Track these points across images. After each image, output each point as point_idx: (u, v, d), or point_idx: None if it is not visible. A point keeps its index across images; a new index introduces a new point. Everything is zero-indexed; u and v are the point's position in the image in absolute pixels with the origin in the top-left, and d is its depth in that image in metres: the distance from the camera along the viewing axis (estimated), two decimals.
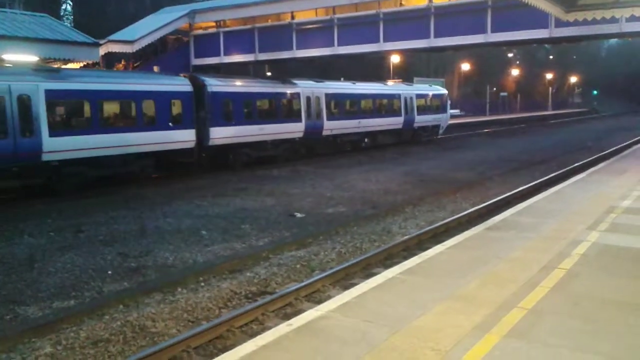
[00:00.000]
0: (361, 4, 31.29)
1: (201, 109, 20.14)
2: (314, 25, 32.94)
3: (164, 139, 18.57)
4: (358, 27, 31.17)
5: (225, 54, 36.14)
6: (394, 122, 30.87)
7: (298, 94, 24.50)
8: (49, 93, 15.47)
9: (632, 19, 17.07)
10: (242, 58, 35.71)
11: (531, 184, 16.81)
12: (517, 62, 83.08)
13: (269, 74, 39.62)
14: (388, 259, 9.52)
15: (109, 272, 9.15)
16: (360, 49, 31.48)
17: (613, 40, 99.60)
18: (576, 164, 21.18)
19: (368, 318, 5.39)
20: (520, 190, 15.60)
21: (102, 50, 31.47)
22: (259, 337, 5.13)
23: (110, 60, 34.25)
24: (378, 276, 6.86)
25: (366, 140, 29.38)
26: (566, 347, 4.70)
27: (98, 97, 16.95)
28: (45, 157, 15.33)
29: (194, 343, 6.26)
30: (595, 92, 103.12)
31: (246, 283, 8.51)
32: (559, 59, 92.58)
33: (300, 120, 24.29)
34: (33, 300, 7.92)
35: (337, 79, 31.23)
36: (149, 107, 18.44)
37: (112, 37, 34.29)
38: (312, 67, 42.79)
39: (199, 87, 20.19)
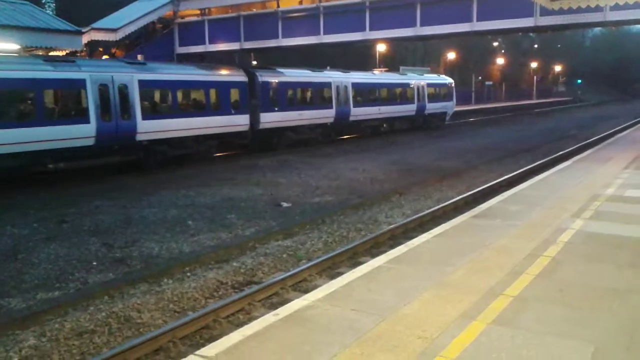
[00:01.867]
0: None
1: (253, 97, 22.78)
2: (300, 14, 32.70)
3: (226, 122, 21.34)
4: (344, 15, 30.98)
5: (210, 43, 35.78)
6: (408, 109, 33.31)
7: (330, 84, 27.24)
8: (141, 83, 18.15)
9: (616, 7, 17.16)
10: (227, 47, 35.39)
11: (517, 172, 16.92)
12: (502, 51, 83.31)
13: (254, 62, 39.35)
14: (375, 247, 9.54)
15: (94, 263, 9.07)
16: (346, 37, 31.31)
17: (597, 29, 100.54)
18: (561, 152, 21.35)
19: (355, 307, 5.38)
20: (506, 179, 15.71)
21: (85, 39, 31.00)
22: (245, 326, 5.11)
23: (93, 48, 33.82)
24: (365, 265, 6.85)
25: (384, 125, 31.85)
26: (551, 334, 4.73)
27: (177, 86, 19.82)
28: (139, 138, 18.08)
29: (180, 333, 6.24)
30: (579, 81, 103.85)
31: (233, 273, 8.48)
32: (543, 48, 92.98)
33: (331, 107, 27.07)
34: (16, 291, 7.83)
35: (323, 67, 31.16)
36: (215, 95, 21.19)
37: (95, 25, 33.77)
38: (298, 55, 42.53)
39: (251, 77, 22.96)
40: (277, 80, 24.52)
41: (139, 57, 28.89)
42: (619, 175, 13.08)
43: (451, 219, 9.43)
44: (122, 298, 7.53)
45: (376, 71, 34.74)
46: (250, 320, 6.18)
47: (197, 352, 4.55)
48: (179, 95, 19.90)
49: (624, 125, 35.34)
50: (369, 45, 40.59)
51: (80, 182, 16.16)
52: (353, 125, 29.14)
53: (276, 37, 33.08)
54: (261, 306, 7.16)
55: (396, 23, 29.67)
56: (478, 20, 27.57)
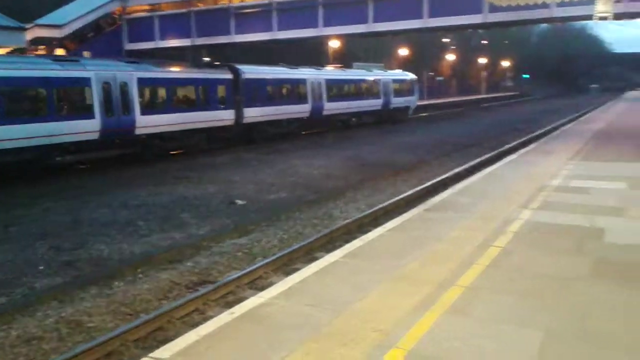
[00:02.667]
0: None
1: (237, 93, 24.13)
2: (253, 10, 32.47)
3: (214, 117, 22.82)
4: (297, 12, 30.95)
5: (160, 39, 35.13)
6: (375, 103, 35.42)
7: (305, 80, 28.92)
8: (140, 80, 19.58)
9: (562, 4, 17.76)
10: (178, 43, 34.81)
11: (467, 165, 17.29)
12: (453, 47, 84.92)
13: (206, 59, 38.82)
14: (330, 243, 9.56)
15: (41, 267, 8.77)
16: (299, 33, 31.31)
17: (544, 26, 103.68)
18: (509, 146, 21.94)
19: (311, 302, 5.38)
20: (456, 172, 16.03)
21: (29, 35, 29.95)
22: (200, 326, 5.04)
23: (38, 45, 32.63)
24: (320, 260, 6.87)
25: (354, 119, 33.73)
26: (503, 322, 4.86)
27: (171, 84, 21.37)
28: (138, 132, 19.46)
29: (132, 336, 6.10)
30: (525, 76, 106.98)
31: (187, 273, 8.34)
32: (492, 44, 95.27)
33: (307, 102, 28.75)
34: None
35: (277, 64, 31.08)
36: (204, 91, 22.67)
37: (40, 21, 32.65)
38: (251, 52, 42.19)
39: (235, 74, 24.32)
40: (258, 77, 25.89)
41: (86, 54, 28.03)
42: (564, 167, 13.54)
43: (404, 212, 9.54)
44: (72, 302, 7.30)
45: (329, 67, 34.94)
46: (205, 320, 6.08)
47: (151, 355, 4.47)
48: (173, 92, 21.39)
49: (568, 118, 36.61)
50: (322, 41, 40.69)
51: (30, 183, 15.61)
52: (326, 119, 30.72)
53: (228, 33, 32.78)
54: (216, 305, 7.07)
55: (349, 19, 29.87)
56: (429, 17, 28.06)
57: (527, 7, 17.44)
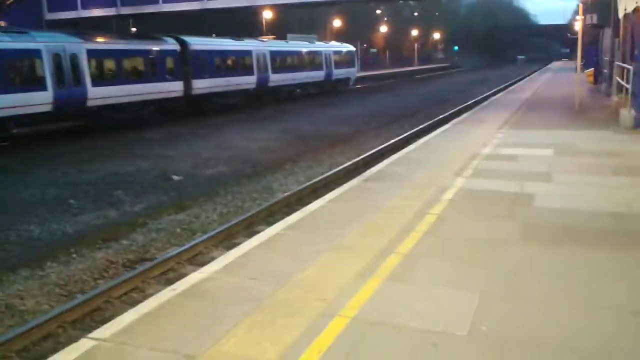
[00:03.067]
0: None
1: (185, 65, 24.34)
2: None
3: (163, 89, 23.12)
4: None
5: (82, 8, 33.43)
6: (318, 75, 36.64)
7: (251, 52, 29.36)
8: (89, 52, 19.86)
9: None
10: (102, 12, 33.25)
11: (402, 136, 17.61)
12: (385, 19, 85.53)
13: (133, 29, 37.31)
14: (270, 216, 9.55)
15: None
16: (231, 2, 30.61)
17: None
18: (441, 116, 22.47)
19: (253, 275, 5.37)
20: (392, 143, 16.30)
21: None
22: (140, 305, 4.92)
23: None
24: (261, 234, 6.85)
25: (298, 90, 34.80)
26: (440, 286, 5.02)
27: (120, 55, 21.36)
28: (89, 103, 19.76)
29: (69, 317, 5.91)
30: (455, 48, 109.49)
31: (123, 251, 8.13)
32: (423, 17, 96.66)
33: (253, 74, 29.30)
34: None
35: (209, 34, 30.31)
36: (153, 63, 22.84)
37: None
38: (180, 22, 40.87)
39: (183, 45, 24.58)
40: (205, 49, 26.12)
41: (1, 23, 26.30)
42: (494, 135, 14.02)
43: (343, 184, 9.64)
44: (2, 285, 6.97)
45: (265, 38, 34.55)
46: (145, 298, 5.96)
47: (90, 335, 4.33)
48: (122, 63, 21.52)
49: (497, 89, 37.84)
50: (255, 12, 39.94)
51: None
52: (272, 90, 31.37)
53: (156, 2, 31.59)
54: (156, 283, 6.94)
55: None
56: None
57: None
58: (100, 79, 20.33)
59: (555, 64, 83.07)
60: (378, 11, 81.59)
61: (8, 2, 33.01)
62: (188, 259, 7.66)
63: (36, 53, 17.92)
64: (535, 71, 63.70)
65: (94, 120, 20.28)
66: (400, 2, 68.25)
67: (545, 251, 5.83)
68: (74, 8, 33.48)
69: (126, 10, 32.74)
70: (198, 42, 25.93)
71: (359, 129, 20.51)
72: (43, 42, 18.25)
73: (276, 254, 5.96)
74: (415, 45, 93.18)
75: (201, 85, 25.24)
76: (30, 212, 10.19)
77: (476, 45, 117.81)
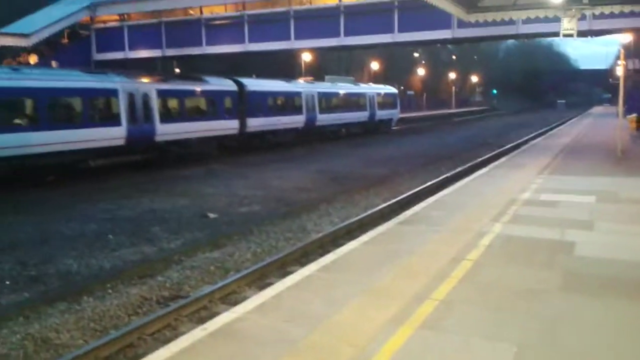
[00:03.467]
0: (271, 1, 31.25)
1: (241, 104, 25.78)
2: (224, 21, 32.48)
3: (222, 126, 24.58)
4: (269, 24, 31.08)
5: (130, 49, 34.81)
6: (363, 115, 37.83)
7: (300, 93, 30.69)
8: (159, 92, 21.26)
9: (528, 21, 18.22)
10: (148, 53, 34.56)
11: (439, 178, 17.46)
12: (423, 62, 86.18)
13: (177, 70, 38.57)
14: (304, 256, 9.52)
15: (7, 282, 8.50)
16: (271, 46, 31.44)
17: (510, 41, 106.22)
18: (479, 159, 22.26)
19: (285, 317, 5.33)
20: (429, 185, 16.17)
21: None
22: (172, 343, 4.94)
23: (2, 55, 31.99)
24: (294, 274, 6.82)
25: (343, 130, 35.98)
26: (476, 336, 4.88)
27: (185, 95, 22.89)
28: (157, 139, 21.13)
29: (102, 353, 5.95)
30: (494, 91, 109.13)
31: (157, 288, 8.19)
32: (461, 59, 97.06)
33: (302, 114, 30.56)
34: None
35: (249, 76, 31.08)
36: (214, 102, 24.30)
37: (5, 29, 32.04)
38: (223, 63, 42.06)
39: (240, 87, 26.04)
40: (260, 90, 27.70)
41: (54, 63, 27.55)
42: (534, 181, 13.78)
43: (378, 225, 9.57)
44: (39, 318, 7.09)
45: (300, 80, 35.23)
46: (177, 336, 5.97)
47: None
48: (187, 102, 23.02)
49: (537, 133, 37.38)
50: (294, 54, 40.87)
51: None
52: (319, 130, 32.62)
53: (200, 44, 32.70)
54: (188, 321, 6.95)
55: (321, 33, 30.13)
56: (399, 31, 28.49)
57: (494, 24, 17.82)
58: (167, 116, 21.71)
59: (597, 109, 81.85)
60: (416, 54, 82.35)
61: (64, 42, 34.66)
62: (221, 298, 7.66)
63: (113, 92, 19.48)
64: (576, 116, 62.80)
65: (161, 154, 21.67)
66: (438, 45, 68.82)
67: (586, 302, 5.63)
68: (122, 49, 34.89)
69: (171, 52, 33.96)
70: (253, 84, 27.53)
71: (395, 171, 20.46)
72: (120, 83, 19.79)
73: (309, 296, 5.92)
74: (453, 88, 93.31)
75: (255, 123, 26.75)
76: (70, 246, 10.41)
77: (515, 88, 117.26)
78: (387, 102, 41.91)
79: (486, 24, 17.17)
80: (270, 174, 19.50)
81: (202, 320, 6.55)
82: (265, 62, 46.93)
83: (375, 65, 65.54)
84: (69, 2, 36.48)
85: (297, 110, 30.26)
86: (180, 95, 22.72)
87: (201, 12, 32.78)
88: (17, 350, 6.22)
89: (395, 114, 43.79)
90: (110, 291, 8.06)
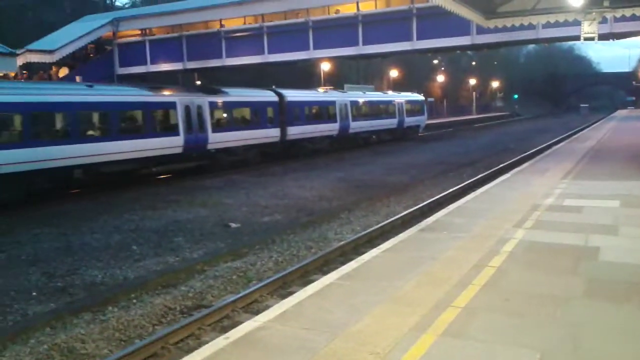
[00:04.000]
0: (290, 12, 31.47)
1: (281, 114, 27.19)
2: (244, 33, 32.80)
3: (265, 135, 26.17)
4: (288, 35, 31.30)
5: (152, 63, 35.34)
6: (392, 122, 39.06)
7: (334, 102, 31.99)
8: (211, 104, 23.12)
9: (548, 25, 18.03)
10: (170, 67, 35.04)
11: (460, 185, 17.36)
12: (442, 69, 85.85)
13: (198, 82, 39.03)
14: (325, 265, 9.54)
15: (34, 293, 8.68)
16: (290, 56, 31.64)
17: (531, 46, 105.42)
18: (501, 165, 22.06)
19: (307, 326, 5.35)
20: (450, 192, 16.08)
21: (20, 61, 30.05)
22: (195, 352, 4.98)
23: (29, 70, 32.70)
24: (316, 283, 6.84)
25: (374, 136, 37.38)
26: (499, 343, 4.84)
27: (233, 106, 24.70)
28: (209, 147, 22.82)
29: None
30: (515, 96, 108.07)
31: (181, 297, 8.28)
32: (481, 65, 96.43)
33: (336, 122, 31.94)
34: None
35: (269, 86, 31.33)
36: (257, 112, 26.07)
37: (31, 46, 32.80)
38: (243, 74, 42.45)
39: (280, 97, 27.46)
40: (298, 100, 29.17)
41: (78, 78, 28.11)
42: (557, 186, 13.61)
43: (399, 233, 9.54)
44: (65, 329, 7.22)
45: (320, 89, 35.50)
46: (200, 345, 6.03)
47: None
48: (234, 113, 24.78)
49: (559, 137, 36.89)
50: (313, 63, 41.09)
51: (15, 209, 15.46)
52: (352, 137, 33.94)
53: (220, 56, 33.05)
54: (211, 330, 7.01)
55: (339, 42, 30.23)
56: (418, 38, 28.44)
57: (513, 29, 17.72)
58: (218, 126, 23.46)
59: (621, 112, 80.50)
60: (435, 61, 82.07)
61: (92, 55, 35.34)
62: (243, 307, 7.71)
63: (172, 105, 21.33)
64: (599, 120, 61.87)
65: (212, 161, 23.31)
66: (458, 52, 68.58)
67: (611, 308, 5.54)
68: (144, 63, 35.44)
69: (192, 65, 34.39)
70: (292, 94, 28.90)
71: (416, 178, 20.39)
72: (177, 96, 21.63)
73: (330, 304, 5.93)
74: (474, 93, 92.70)
75: (294, 131, 28.22)
76: (94, 257, 10.58)
77: (536, 93, 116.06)
78: (415, 109, 43.18)
79: (505, 29, 17.10)
80: (290, 183, 19.57)
81: (224, 330, 6.60)
82: (285, 72, 47.29)
83: (394, 73, 65.48)
84: (92, 18, 37.24)
85: (331, 118, 31.65)
86: (229, 106, 24.44)
87: (221, 25, 33.16)
88: None
89: (423, 120, 44.95)
90: (134, 301, 8.17)
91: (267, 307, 6.78)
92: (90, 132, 18.64)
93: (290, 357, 4.67)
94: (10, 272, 9.71)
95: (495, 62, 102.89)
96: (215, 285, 8.82)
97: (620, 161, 18.67)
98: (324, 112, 31.33)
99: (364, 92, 37.17)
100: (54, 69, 33.91)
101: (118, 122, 19.26)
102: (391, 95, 40.92)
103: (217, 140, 23.17)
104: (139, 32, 36.42)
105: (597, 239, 8.26)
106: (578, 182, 14.16)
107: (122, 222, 13.65)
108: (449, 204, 12.36)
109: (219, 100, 23.90)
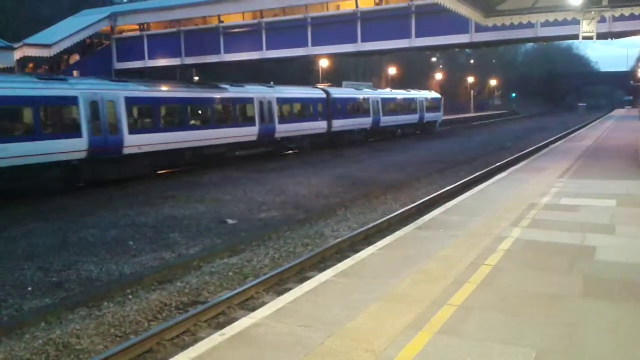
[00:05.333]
0: (288, 8, 31.39)
1: (327, 109, 31.59)
2: (242, 29, 32.70)
3: (316, 126, 30.83)
4: (286, 31, 31.21)
5: (149, 58, 35.20)
6: (414, 117, 43.99)
7: (369, 99, 36.99)
8: (278, 99, 27.45)
9: (546, 24, 18.02)
10: (167, 62, 34.92)
11: (457, 183, 17.36)
12: (441, 67, 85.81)
13: (196, 78, 38.93)
14: (321, 262, 9.53)
15: (29, 288, 8.66)
16: (288, 53, 31.54)
17: (529, 45, 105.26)
18: (498, 163, 22.08)
19: (303, 322, 5.34)
20: (447, 190, 16.08)
21: (17, 55, 29.89)
22: (190, 348, 4.97)
23: (25, 64, 32.58)
24: (312, 280, 6.83)
25: (399, 130, 42.00)
26: (495, 341, 4.84)
27: (292, 101, 29.17)
28: (276, 135, 27.47)
29: (122, 359, 6.01)
30: (513, 94, 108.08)
31: (177, 293, 8.26)
32: (479, 63, 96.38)
33: (369, 116, 36.77)
34: None
35: (267, 82, 31.31)
36: (310, 107, 30.60)
37: (28, 40, 32.64)
38: (241, 70, 42.34)
39: (327, 94, 32.02)
40: (341, 97, 33.66)
41: (75, 73, 28.00)
42: (554, 185, 13.63)
43: (396, 231, 9.54)
44: (60, 324, 7.20)
45: (321, 85, 35.89)
46: (195, 341, 6.02)
47: None
48: (294, 107, 29.03)
49: (556, 136, 36.95)
50: (312, 60, 40.98)
51: (11, 204, 15.41)
52: (381, 130, 38.65)
53: (218, 52, 32.93)
54: (207, 326, 7.00)
55: (338, 39, 30.15)
56: (416, 36, 28.38)
57: (512, 27, 17.70)
58: (282, 118, 27.60)
59: (618, 112, 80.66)
60: (433, 59, 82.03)
61: (98, 48, 35.25)
62: (239, 303, 7.70)
63: (250, 100, 25.64)
64: (597, 119, 61.94)
65: (276, 147, 27.78)
66: (456, 50, 68.54)
67: (607, 307, 5.55)
68: (141, 58, 35.30)
69: (190, 60, 34.28)
70: (336, 92, 33.64)
71: (413, 176, 20.39)
72: (255, 93, 25.99)
73: (326, 302, 5.92)
74: (472, 92, 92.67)
75: (338, 124, 32.63)
76: (90, 252, 10.56)
77: (534, 92, 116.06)
78: (433, 105, 48.07)
79: (504, 27, 17.09)
80: (288, 180, 19.55)
81: (220, 326, 6.59)
82: (284, 68, 47.21)
83: (392, 70, 65.42)
84: (89, 13, 37.06)
85: (366, 113, 36.35)
86: (289, 102, 28.69)
87: (219, 21, 33.06)
88: (38, 355, 6.33)
89: (440, 116, 50.07)
90: (130, 297, 8.16)
91: (263, 304, 6.77)
92: (196, 122, 23.10)
93: (286, 354, 4.66)
94: (6, 267, 9.68)
95: (494, 60, 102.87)
96: (211, 281, 8.80)
97: (617, 160, 18.70)
98: (360, 107, 36.03)
99: (391, 90, 42.95)
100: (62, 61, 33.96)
101: (215, 114, 24.02)
102: (413, 94, 45.30)
103: (282, 130, 27.55)
104: (137, 26, 36.27)
105: (594, 238, 8.27)
106: (575, 181, 14.18)
107: (118, 218, 13.62)
108: (445, 202, 12.36)
109: (283, 96, 28.05)
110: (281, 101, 27.64)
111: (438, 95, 50.98)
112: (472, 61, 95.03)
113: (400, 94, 42.87)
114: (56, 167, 17.09)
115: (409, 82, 66.98)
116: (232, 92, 24.89)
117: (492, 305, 5.70)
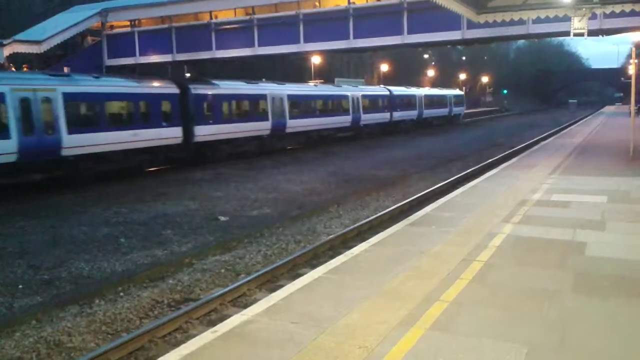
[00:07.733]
0: (280, 5, 31.28)
1: (353, 105, 36.14)
2: (234, 26, 32.57)
3: (341, 120, 34.84)
4: (278, 27, 31.11)
5: (141, 55, 34.99)
6: (445, 111, 53.48)
7: (415, 96, 45.13)
8: (289, 97, 29.51)
9: (538, 20, 18.08)
10: (159, 58, 34.72)
11: (449, 180, 17.40)
12: (433, 63, 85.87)
13: (187, 75, 38.76)
14: (314, 259, 9.53)
15: (20, 286, 8.61)
16: (280, 49, 31.44)
17: (521, 42, 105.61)
18: (490, 160, 22.15)
19: (295, 319, 5.34)
20: (439, 186, 16.12)
21: (7, 51, 29.68)
22: (182, 346, 4.96)
23: (16, 61, 32.29)
24: (304, 277, 6.83)
25: (434, 121, 49.50)
26: (487, 337, 4.86)
27: (304, 98, 31.53)
28: (287, 130, 29.34)
29: (114, 356, 5.99)
30: (505, 91, 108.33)
31: (168, 291, 8.24)
32: (471, 60, 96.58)
33: (415, 110, 45.24)
34: None
35: (259, 79, 31.24)
36: (337, 103, 34.89)
37: (18, 36, 32.34)
38: (233, 67, 42.19)
39: (349, 92, 36.52)
40: (362, 95, 37.89)
41: (66, 69, 27.79)
42: (545, 181, 13.69)
43: (388, 227, 9.55)
44: (51, 322, 7.16)
45: (312, 82, 35.87)
46: (188, 339, 6.00)
47: None
48: (309, 104, 31.60)
49: (548, 133, 37.12)
50: (304, 57, 40.92)
51: (1, 201, 15.29)
52: (423, 121, 46.77)
53: (210, 49, 32.78)
54: (199, 324, 6.99)
55: (330, 35, 30.09)
56: (409, 33, 28.38)
57: (504, 24, 17.70)
58: (293, 114, 29.49)
59: (609, 108, 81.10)
60: (425, 55, 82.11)
61: (69, 50, 34.96)
62: (231, 301, 7.69)
63: (263, 97, 27.45)
64: (588, 115, 62.26)
65: (288, 141, 29.96)
66: (448, 47, 68.68)
67: (598, 303, 5.59)
68: (133, 55, 35.09)
69: (181, 57, 34.10)
70: (355, 90, 37.41)
71: (406, 172, 20.41)
72: (268, 90, 27.76)
73: (319, 298, 5.92)
74: (464, 88, 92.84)
75: (364, 118, 37.09)
76: (82, 250, 10.50)
77: (526, 88, 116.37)
78: (458, 101, 57.48)
79: (496, 24, 17.08)
80: (280, 177, 19.53)
81: (212, 323, 6.58)
82: (275, 65, 47.10)
83: (385, 67, 65.42)
84: (80, 9, 36.75)
85: (414, 107, 44.16)
86: (304, 98, 31.04)
87: (211, 17, 32.92)
88: (29, 354, 6.29)
89: (462, 110, 59.72)
90: (121, 294, 8.12)
91: (255, 301, 6.77)
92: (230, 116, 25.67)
93: (278, 351, 4.66)
94: None
95: (485, 57, 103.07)
96: (203, 278, 8.78)
97: (607, 157, 18.81)
98: (412, 102, 44.15)
99: (429, 89, 52.06)
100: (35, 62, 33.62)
101: (235, 109, 25.86)
102: (445, 91, 55.16)
103: (293, 125, 29.33)
104: (128, 23, 36.05)
105: (585, 234, 8.32)
106: (566, 177, 14.25)
107: (110, 215, 13.55)
108: (437, 198, 12.39)
109: (295, 93, 30.11)
110: (292, 97, 29.55)
111: (461, 93, 61.44)
112: (464, 58, 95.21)
113: (435, 91, 52.18)
114: None
115: (402, 78, 67.02)
116: (249, 88, 26.67)
117: (484, 301, 5.72)
